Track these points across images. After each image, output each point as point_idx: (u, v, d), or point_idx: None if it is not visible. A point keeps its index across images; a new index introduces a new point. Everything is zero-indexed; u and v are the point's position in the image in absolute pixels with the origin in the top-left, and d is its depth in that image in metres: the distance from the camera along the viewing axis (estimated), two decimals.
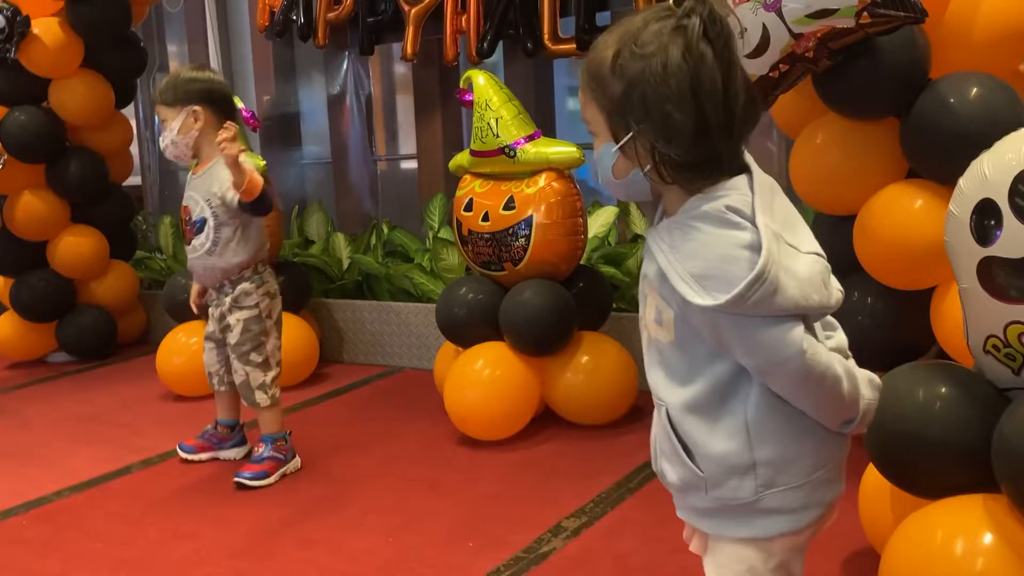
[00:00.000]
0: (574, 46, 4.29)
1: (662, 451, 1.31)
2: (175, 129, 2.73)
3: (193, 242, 2.81)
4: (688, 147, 1.17)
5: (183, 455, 3.02)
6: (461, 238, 3.25)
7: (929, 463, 1.65)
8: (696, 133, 1.16)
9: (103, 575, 2.25)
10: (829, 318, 1.31)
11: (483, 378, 3.01)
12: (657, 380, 1.31)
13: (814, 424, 1.25)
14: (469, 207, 3.19)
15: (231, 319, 2.82)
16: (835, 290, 1.24)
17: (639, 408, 3.19)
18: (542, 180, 3.06)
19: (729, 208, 1.17)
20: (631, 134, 1.20)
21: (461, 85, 3.24)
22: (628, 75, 1.18)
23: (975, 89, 2.19)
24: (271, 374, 2.84)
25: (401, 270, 4.23)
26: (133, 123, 5.09)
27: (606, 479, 2.64)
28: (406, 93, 5.52)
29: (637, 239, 3.84)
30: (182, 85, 2.75)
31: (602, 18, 4.36)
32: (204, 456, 3.01)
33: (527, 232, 3.04)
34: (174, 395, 3.85)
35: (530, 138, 3.08)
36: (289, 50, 5.63)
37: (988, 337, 1.59)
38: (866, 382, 1.27)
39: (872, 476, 1.94)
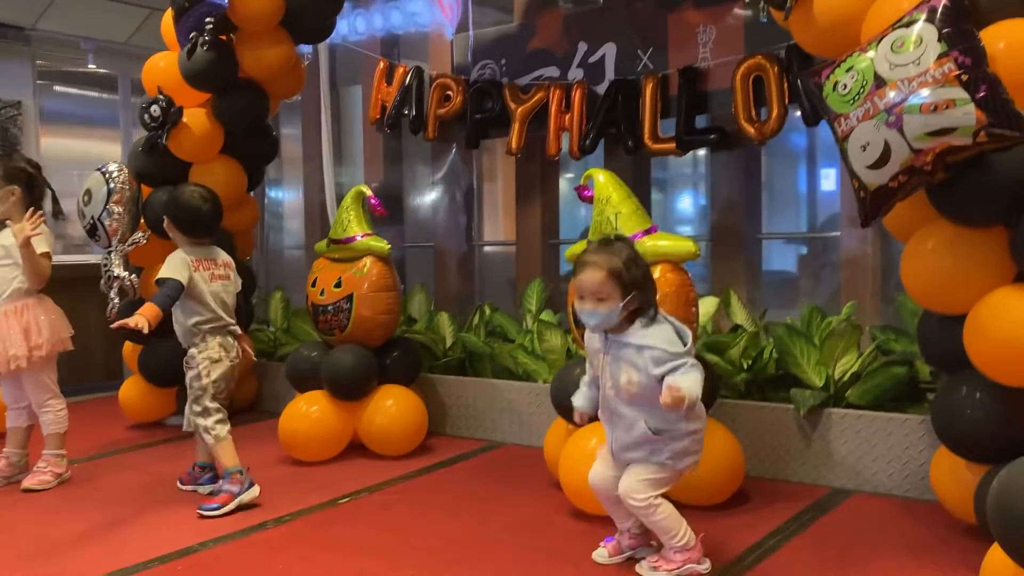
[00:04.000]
0: (673, 145, 4.58)
1: (632, 445, 2.63)
2: None
3: None
4: (646, 299, 2.58)
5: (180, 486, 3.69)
6: (576, 322, 3.47)
7: None
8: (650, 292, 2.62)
9: None
10: None
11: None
12: (635, 409, 2.60)
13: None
14: None
15: (186, 378, 3.53)
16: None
17: (743, 493, 3.34)
18: (657, 271, 3.27)
19: (667, 318, 2.60)
20: (631, 297, 2.54)
21: (582, 182, 3.51)
22: (637, 271, 2.56)
23: None
24: (211, 419, 3.51)
25: (506, 349, 4.46)
26: None
27: (726, 554, 2.79)
28: (503, 183, 5.87)
29: (737, 328, 4.02)
30: None
31: (700, 120, 4.65)
32: (188, 488, 3.68)
33: None
34: (291, 459, 4.09)
35: (647, 232, 3.32)
36: (397, 141, 6.02)
37: None
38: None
39: (994, 560, 2.07)
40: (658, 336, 2.52)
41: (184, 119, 4.49)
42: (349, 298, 4.11)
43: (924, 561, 2.71)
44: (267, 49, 4.45)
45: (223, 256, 3.68)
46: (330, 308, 4.16)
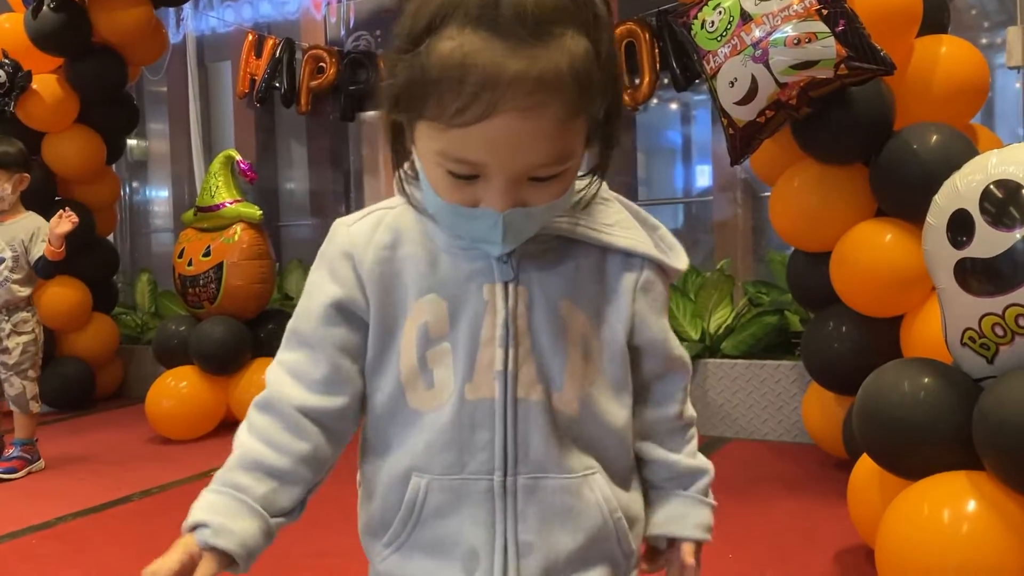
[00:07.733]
0: None
1: (576, 559, 0.90)
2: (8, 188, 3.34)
3: None
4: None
5: None
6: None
7: (915, 445, 1.85)
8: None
9: None
10: None
11: None
12: (581, 441, 0.90)
13: None
14: None
15: (10, 343, 3.35)
16: None
17: None
18: None
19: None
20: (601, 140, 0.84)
21: None
22: (614, 68, 0.81)
23: (935, 137, 2.48)
24: (36, 388, 3.46)
25: None
26: None
27: None
28: (385, 155, 5.77)
29: None
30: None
31: None
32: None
33: None
34: (160, 438, 3.90)
35: None
36: (270, 116, 5.84)
37: (965, 330, 1.81)
38: None
39: (860, 472, 2.13)
40: (635, 228, 0.92)
41: (33, 85, 4.22)
42: (219, 267, 3.94)
43: (796, 491, 2.79)
44: (123, 11, 4.23)
45: None
46: (199, 279, 3.98)
